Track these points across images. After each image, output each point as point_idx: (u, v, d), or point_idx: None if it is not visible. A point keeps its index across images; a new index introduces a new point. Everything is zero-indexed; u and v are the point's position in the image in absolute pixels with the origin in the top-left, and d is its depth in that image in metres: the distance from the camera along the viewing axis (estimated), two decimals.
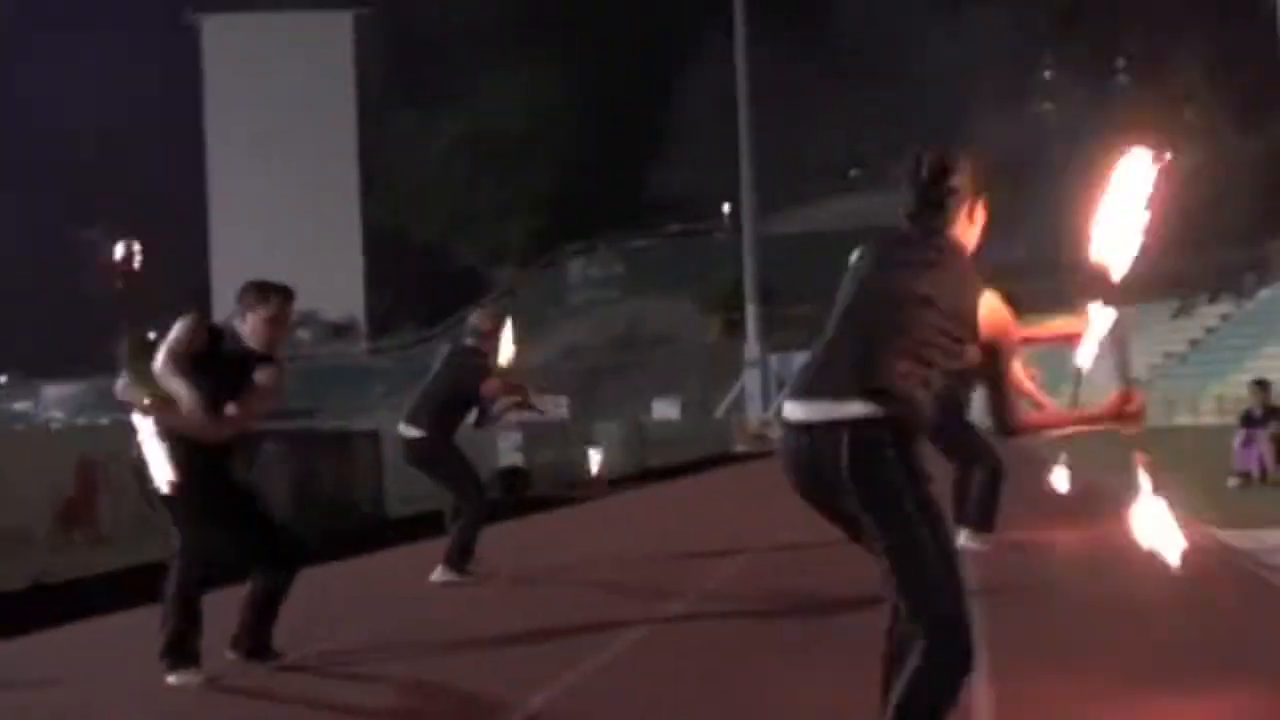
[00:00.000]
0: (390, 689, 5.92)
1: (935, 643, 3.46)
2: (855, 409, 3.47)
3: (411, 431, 9.64)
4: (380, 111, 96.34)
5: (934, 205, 3.74)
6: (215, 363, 6.22)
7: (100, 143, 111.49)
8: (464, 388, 9.60)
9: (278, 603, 6.43)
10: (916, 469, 3.52)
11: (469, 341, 9.84)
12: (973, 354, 3.65)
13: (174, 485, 6.04)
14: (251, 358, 6.34)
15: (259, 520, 6.47)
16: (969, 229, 3.80)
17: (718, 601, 8.20)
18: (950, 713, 3.50)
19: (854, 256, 3.84)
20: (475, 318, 10.17)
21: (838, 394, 3.51)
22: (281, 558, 6.43)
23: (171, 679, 6.03)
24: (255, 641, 6.41)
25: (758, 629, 7.08)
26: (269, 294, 6.39)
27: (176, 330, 6.22)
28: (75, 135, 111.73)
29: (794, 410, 3.60)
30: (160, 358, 6.10)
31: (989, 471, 9.64)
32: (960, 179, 3.74)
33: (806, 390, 3.61)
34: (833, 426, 3.48)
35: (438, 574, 9.42)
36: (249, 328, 6.36)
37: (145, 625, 6.40)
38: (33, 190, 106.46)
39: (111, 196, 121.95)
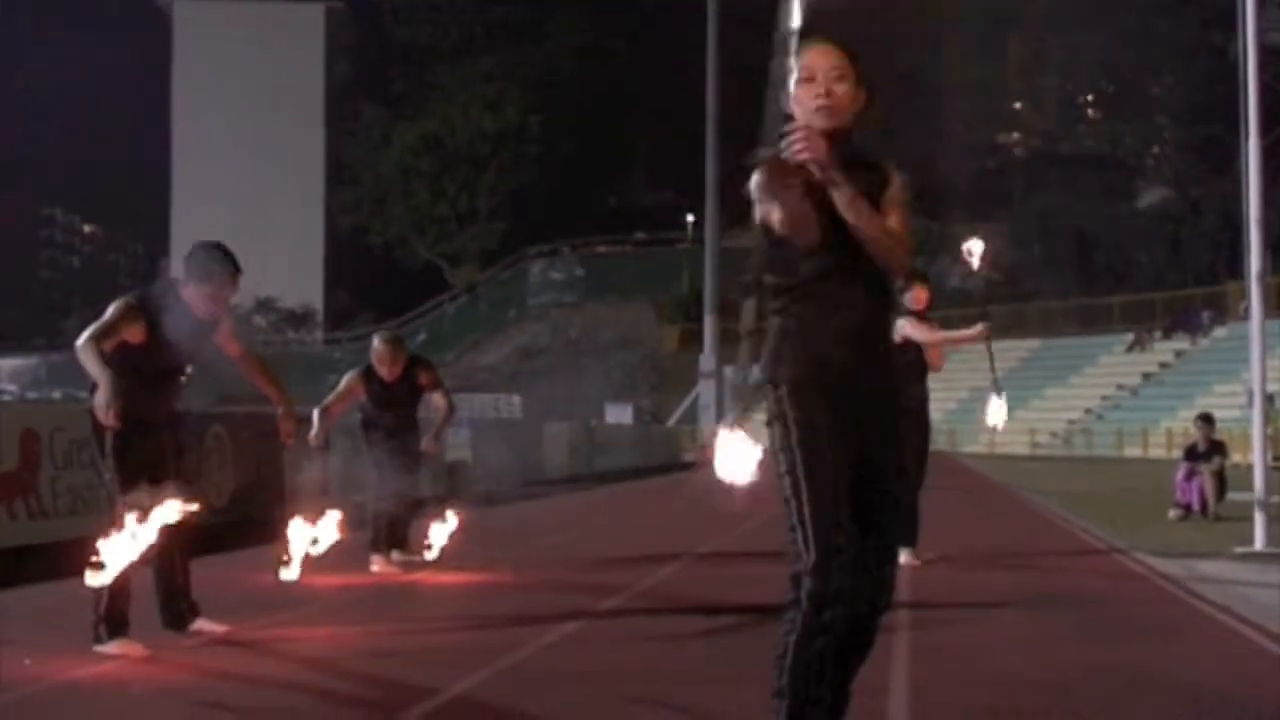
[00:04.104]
0: (320, 669, 5.96)
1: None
2: None
3: None
4: (347, 107, 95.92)
5: None
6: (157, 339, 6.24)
7: (65, 124, 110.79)
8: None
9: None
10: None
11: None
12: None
13: None
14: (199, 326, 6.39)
15: None
16: None
17: (651, 600, 8.27)
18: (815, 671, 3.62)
19: None
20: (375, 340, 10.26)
21: None
22: None
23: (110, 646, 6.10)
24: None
25: (685, 627, 7.14)
26: (212, 272, 6.40)
27: (109, 312, 6.22)
28: (40, 115, 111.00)
29: None
30: (83, 337, 6.09)
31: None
32: None
33: None
34: None
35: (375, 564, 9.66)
36: (189, 295, 6.36)
37: (77, 596, 6.41)
38: None
39: (75, 178, 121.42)
